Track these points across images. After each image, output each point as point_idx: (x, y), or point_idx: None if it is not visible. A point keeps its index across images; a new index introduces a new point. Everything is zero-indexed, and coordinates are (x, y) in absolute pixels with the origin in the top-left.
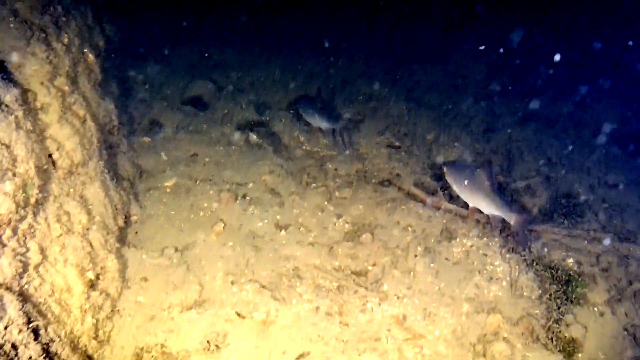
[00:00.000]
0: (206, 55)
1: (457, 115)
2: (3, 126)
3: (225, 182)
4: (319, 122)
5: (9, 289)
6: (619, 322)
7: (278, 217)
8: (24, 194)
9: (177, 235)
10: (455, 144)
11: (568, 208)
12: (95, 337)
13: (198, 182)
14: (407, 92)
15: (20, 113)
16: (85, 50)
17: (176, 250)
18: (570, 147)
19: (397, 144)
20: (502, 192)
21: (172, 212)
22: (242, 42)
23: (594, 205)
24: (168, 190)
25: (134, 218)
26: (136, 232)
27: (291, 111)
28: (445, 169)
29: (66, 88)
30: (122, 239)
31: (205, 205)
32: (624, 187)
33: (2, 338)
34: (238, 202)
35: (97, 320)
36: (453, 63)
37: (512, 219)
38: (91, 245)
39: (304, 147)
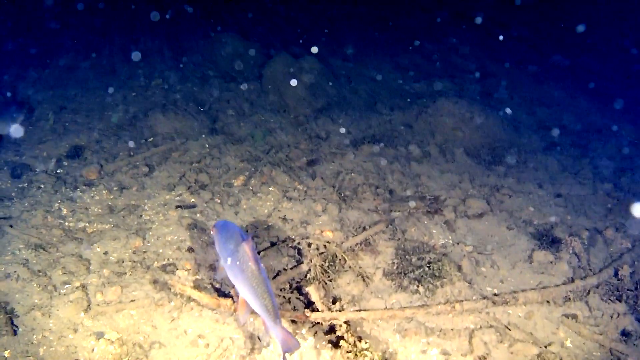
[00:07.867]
0: None
1: (273, 147)
2: None
3: None
4: None
5: None
6: None
7: (6, 353)
8: None
9: None
10: (271, 188)
11: (422, 269)
12: None
13: None
14: (213, 122)
15: None
16: None
17: None
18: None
19: (192, 200)
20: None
21: None
22: None
23: (453, 253)
24: None
25: None
26: None
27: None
28: (214, 231)
29: None
30: None
31: None
32: (490, 214)
33: None
34: None
35: None
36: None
37: (277, 334)
38: None
39: (66, 224)
